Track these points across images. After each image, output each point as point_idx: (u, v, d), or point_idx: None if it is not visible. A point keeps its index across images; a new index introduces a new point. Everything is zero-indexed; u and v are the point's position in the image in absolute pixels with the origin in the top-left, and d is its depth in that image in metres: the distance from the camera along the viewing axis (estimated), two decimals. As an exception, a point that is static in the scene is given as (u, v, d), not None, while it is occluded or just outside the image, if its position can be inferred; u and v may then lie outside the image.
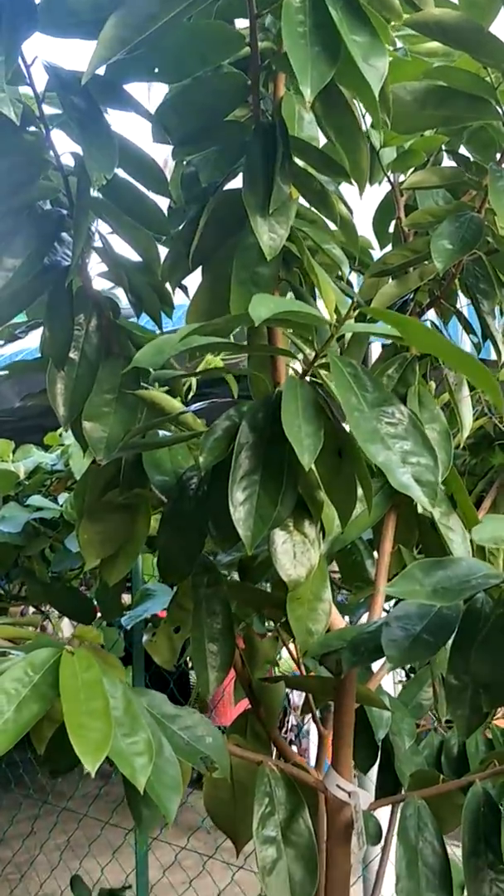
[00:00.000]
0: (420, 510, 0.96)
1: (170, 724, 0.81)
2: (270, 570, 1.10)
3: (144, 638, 1.25)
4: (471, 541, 0.94)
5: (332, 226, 0.89)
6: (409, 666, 1.68)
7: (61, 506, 1.92)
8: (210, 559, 1.01)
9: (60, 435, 2.20)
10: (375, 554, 1.03)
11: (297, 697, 4.26)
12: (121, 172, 0.87)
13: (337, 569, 1.13)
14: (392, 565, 0.99)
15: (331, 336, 0.70)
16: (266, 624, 1.25)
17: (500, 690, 0.69)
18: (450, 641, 0.77)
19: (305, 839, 0.88)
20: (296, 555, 0.87)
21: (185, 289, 0.98)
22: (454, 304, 1.00)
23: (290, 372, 0.83)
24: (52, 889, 3.24)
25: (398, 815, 0.92)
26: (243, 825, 1.02)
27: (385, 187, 1.13)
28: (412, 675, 1.28)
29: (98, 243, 0.95)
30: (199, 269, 0.91)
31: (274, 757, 0.98)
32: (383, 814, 1.17)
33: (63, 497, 1.94)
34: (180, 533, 0.91)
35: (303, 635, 0.89)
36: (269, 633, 1.14)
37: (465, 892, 0.86)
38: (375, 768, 1.12)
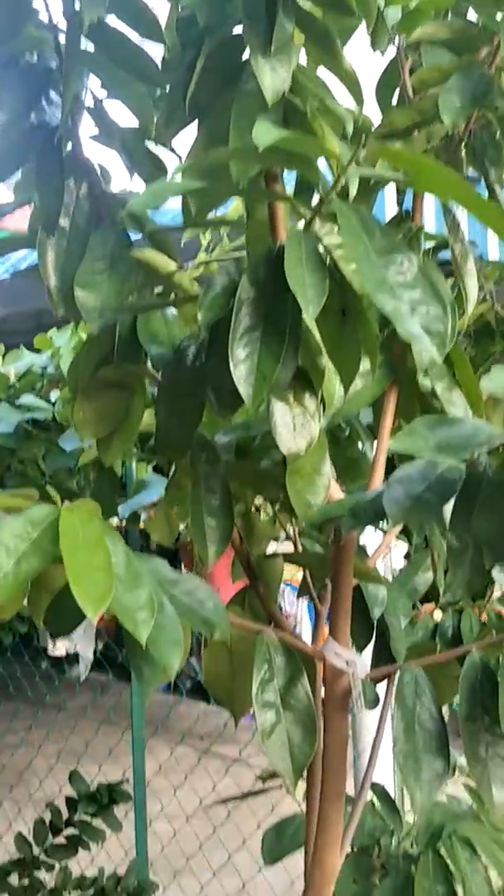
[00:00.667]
0: (423, 385, 0.94)
1: (171, 588, 0.81)
2: (267, 453, 1.10)
3: (143, 517, 1.25)
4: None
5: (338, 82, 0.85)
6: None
7: (53, 405, 1.91)
8: (208, 440, 1.00)
9: (51, 337, 2.17)
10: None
11: (289, 606, 4.34)
12: (112, 22, 0.83)
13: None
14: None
15: (336, 180, 0.67)
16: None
17: (502, 547, 0.69)
18: (451, 508, 0.77)
19: (304, 704, 0.89)
20: (295, 427, 0.86)
21: (179, 155, 0.94)
22: (462, 171, 0.97)
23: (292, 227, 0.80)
24: (51, 790, 3.34)
25: (395, 683, 0.94)
26: (241, 698, 1.03)
27: (386, 59, 1.09)
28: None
29: (90, 103, 0.91)
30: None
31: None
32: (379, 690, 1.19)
33: (55, 395, 1.92)
34: (178, 405, 0.89)
35: (302, 507, 0.89)
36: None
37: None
38: (371, 648, 1.14)
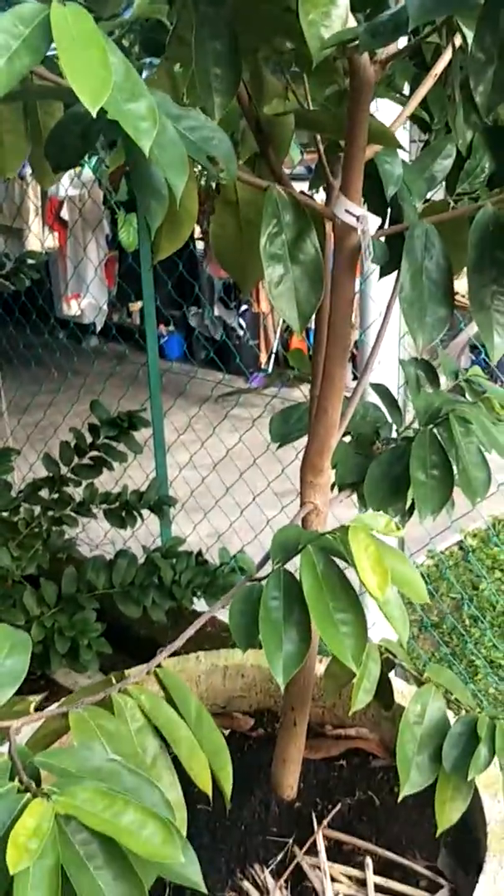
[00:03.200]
0: None
1: (175, 122, 0.78)
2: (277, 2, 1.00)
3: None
4: None
5: None
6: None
7: None
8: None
9: None
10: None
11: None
12: None
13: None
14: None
15: None
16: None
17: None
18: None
19: (311, 258, 0.89)
20: None
21: None
22: None
23: None
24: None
25: (407, 239, 0.93)
26: (250, 266, 1.04)
27: None
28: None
29: None
30: None
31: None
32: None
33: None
34: None
35: (315, 42, 0.82)
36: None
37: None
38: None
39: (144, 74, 1.06)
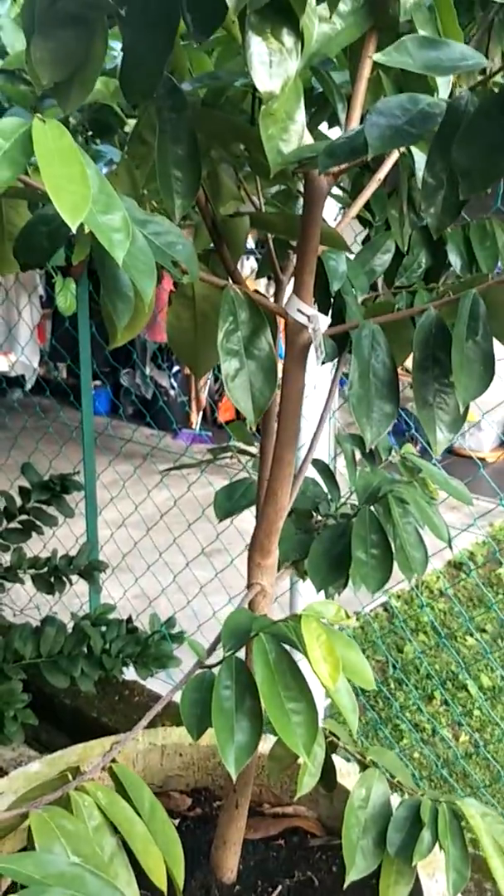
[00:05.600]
0: (401, 20, 0.90)
1: (141, 227, 0.81)
2: (234, 110, 1.06)
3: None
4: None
5: None
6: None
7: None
8: (174, 82, 0.95)
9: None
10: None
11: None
12: None
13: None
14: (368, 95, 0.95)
15: None
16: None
17: (478, 176, 0.70)
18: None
19: (266, 353, 0.93)
20: (272, 64, 0.82)
21: None
22: None
23: None
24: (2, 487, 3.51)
25: (352, 340, 0.98)
26: (203, 355, 1.08)
27: None
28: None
29: None
30: None
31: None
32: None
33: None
34: (147, 26, 0.83)
35: (274, 154, 0.87)
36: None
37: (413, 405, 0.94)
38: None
39: (102, 168, 1.09)
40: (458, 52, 0.69)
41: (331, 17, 0.88)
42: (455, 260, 1.24)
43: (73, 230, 0.64)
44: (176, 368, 5.61)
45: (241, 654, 0.93)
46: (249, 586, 1.10)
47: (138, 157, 1.03)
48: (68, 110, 1.01)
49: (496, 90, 0.74)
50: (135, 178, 1.03)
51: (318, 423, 1.27)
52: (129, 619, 2.34)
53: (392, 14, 0.92)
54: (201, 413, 5.59)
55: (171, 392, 5.65)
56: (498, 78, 0.81)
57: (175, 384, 5.67)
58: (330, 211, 1.38)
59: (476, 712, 3.06)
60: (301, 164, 0.86)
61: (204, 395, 5.51)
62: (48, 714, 2.41)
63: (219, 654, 0.94)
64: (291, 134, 0.88)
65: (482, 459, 5.40)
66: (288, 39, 0.82)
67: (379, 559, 1.21)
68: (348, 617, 0.88)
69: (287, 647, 0.90)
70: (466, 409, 0.91)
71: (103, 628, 2.27)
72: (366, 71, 0.92)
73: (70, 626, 2.29)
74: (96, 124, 1.40)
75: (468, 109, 0.73)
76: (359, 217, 1.27)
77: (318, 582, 1.23)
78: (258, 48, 0.81)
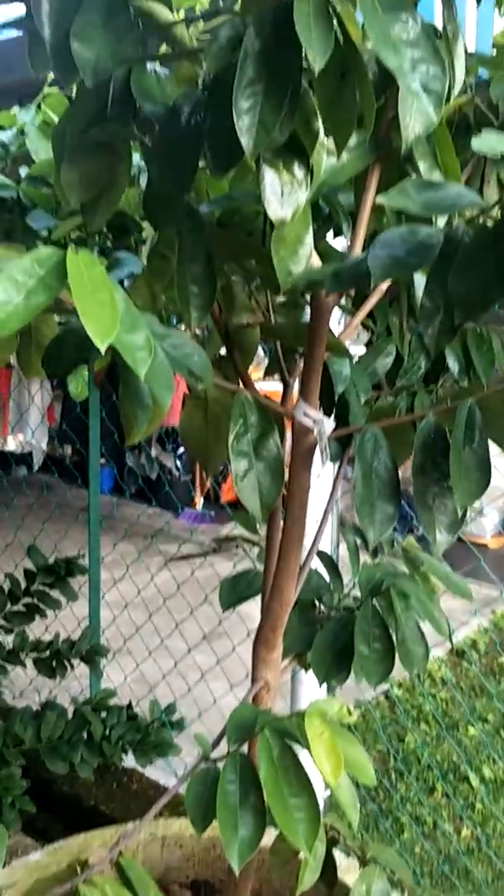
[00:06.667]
0: (403, 154, 0.98)
1: (161, 341, 0.87)
2: (249, 226, 1.13)
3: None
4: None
5: None
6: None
7: (18, 185, 1.86)
8: (193, 205, 1.03)
9: (15, 114, 2.08)
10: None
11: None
12: None
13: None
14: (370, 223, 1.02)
15: None
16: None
17: (473, 304, 0.76)
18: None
19: (273, 455, 0.99)
20: (283, 194, 0.90)
21: None
22: None
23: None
24: (7, 567, 3.53)
25: (356, 442, 1.03)
26: (213, 453, 1.13)
27: None
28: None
29: None
30: None
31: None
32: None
33: (23, 171, 1.87)
34: (170, 164, 0.91)
35: (283, 275, 0.94)
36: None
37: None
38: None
39: (126, 281, 1.16)
40: (455, 193, 0.76)
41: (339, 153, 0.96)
42: (453, 365, 1.30)
43: (102, 351, 0.70)
44: (181, 450, 5.69)
45: (246, 745, 0.95)
46: (254, 680, 1.12)
47: (157, 271, 1.11)
48: (93, 228, 1.09)
49: (490, 224, 0.81)
50: (153, 290, 1.10)
51: (321, 516, 1.31)
52: (130, 705, 2.34)
53: (394, 146, 1.00)
54: (205, 493, 5.64)
55: (175, 472, 5.72)
56: (494, 210, 0.89)
57: (179, 465, 5.74)
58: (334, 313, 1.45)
59: (478, 805, 3.01)
60: (309, 284, 0.92)
61: (207, 478, 5.57)
62: (45, 800, 2.38)
63: (223, 746, 0.97)
64: (300, 256, 0.95)
65: (484, 545, 5.42)
66: (299, 172, 0.90)
67: (381, 653, 1.24)
68: (350, 714, 0.90)
69: (290, 742, 0.92)
70: (465, 511, 0.96)
71: (104, 714, 2.27)
72: (369, 200, 1.00)
73: (70, 710, 2.29)
74: (115, 229, 1.49)
75: (464, 241, 0.80)
76: (362, 322, 1.34)
77: (321, 675, 1.25)
78: (271, 180, 0.89)
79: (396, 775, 3.16)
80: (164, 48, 0.96)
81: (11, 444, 5.45)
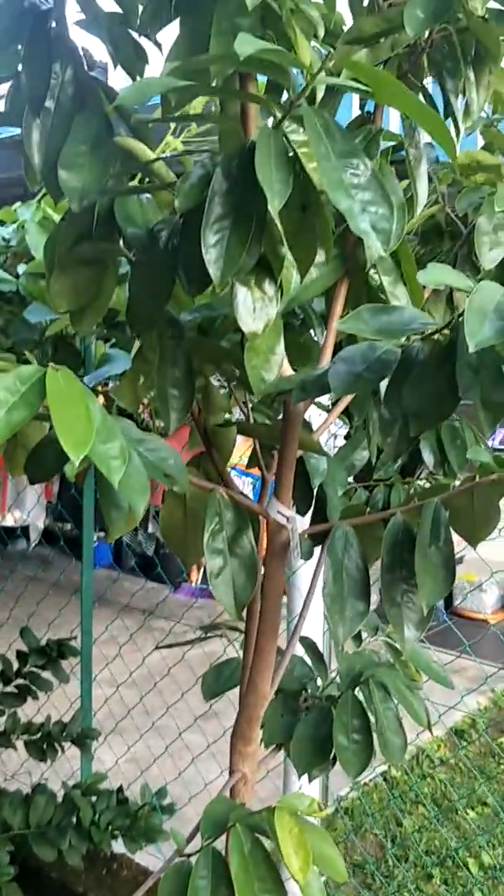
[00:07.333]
0: (370, 272, 1.05)
1: (137, 445, 0.92)
2: (227, 333, 1.20)
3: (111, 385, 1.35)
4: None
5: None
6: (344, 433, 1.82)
7: (18, 279, 1.95)
8: (174, 317, 1.09)
9: (15, 210, 2.19)
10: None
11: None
12: None
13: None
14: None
15: (305, 87, 0.75)
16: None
17: (426, 418, 0.81)
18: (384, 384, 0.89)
19: (248, 552, 1.03)
20: (255, 310, 0.96)
21: (159, 45, 1.00)
22: (422, 80, 1.05)
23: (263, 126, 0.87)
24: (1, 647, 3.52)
25: (328, 540, 1.08)
26: (192, 547, 1.17)
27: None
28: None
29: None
30: (177, 25, 0.93)
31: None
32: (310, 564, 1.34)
33: (21, 268, 1.96)
34: (150, 282, 0.98)
35: (257, 382, 1.00)
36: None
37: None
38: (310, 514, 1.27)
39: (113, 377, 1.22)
40: (407, 317, 0.82)
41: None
42: (428, 457, 1.35)
43: (77, 464, 0.75)
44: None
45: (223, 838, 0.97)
46: (231, 773, 1.14)
47: (141, 372, 1.17)
48: (81, 333, 1.16)
49: (443, 342, 0.87)
50: (136, 389, 1.16)
51: (302, 605, 1.35)
52: (121, 789, 2.32)
53: (361, 261, 1.07)
54: (202, 570, 5.65)
55: (171, 549, 5.74)
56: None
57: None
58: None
59: (477, 894, 2.94)
60: (279, 392, 0.98)
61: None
62: (34, 887, 2.34)
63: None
64: (273, 364, 1.01)
65: (483, 621, 5.39)
66: (269, 289, 0.97)
67: (360, 745, 1.26)
68: (321, 810, 0.92)
69: (262, 837, 0.94)
70: (431, 609, 0.99)
71: (94, 798, 2.25)
72: (338, 310, 1.06)
73: (60, 794, 2.27)
74: (108, 322, 1.57)
75: (418, 358, 0.86)
76: (340, 415, 1.40)
77: (301, 767, 1.27)
78: (243, 296, 0.95)
79: (393, 861, 3.10)
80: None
81: (9, 520, 5.51)
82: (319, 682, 1.49)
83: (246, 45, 0.64)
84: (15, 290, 2.00)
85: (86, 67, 1.00)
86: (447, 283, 0.76)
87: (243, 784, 1.15)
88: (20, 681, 2.34)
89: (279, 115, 0.83)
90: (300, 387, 0.91)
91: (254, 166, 0.77)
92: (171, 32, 0.96)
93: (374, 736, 1.29)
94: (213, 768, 2.59)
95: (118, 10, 0.96)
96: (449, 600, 5.46)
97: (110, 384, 1.47)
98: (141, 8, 0.93)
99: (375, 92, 0.75)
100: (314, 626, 1.90)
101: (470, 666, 4.42)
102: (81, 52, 0.99)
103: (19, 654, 2.36)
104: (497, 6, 0.96)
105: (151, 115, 1.01)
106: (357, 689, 1.34)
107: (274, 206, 0.74)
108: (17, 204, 2.16)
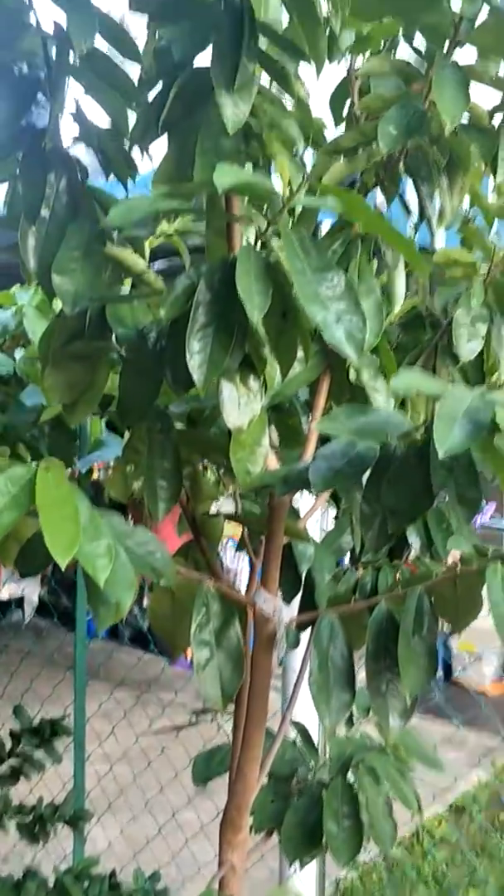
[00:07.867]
0: (352, 374, 1.08)
1: (125, 539, 0.95)
2: (215, 423, 1.23)
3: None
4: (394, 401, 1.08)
5: (290, 106, 0.97)
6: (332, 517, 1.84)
7: (15, 362, 2.00)
8: (163, 409, 1.13)
9: (13, 294, 2.25)
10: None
11: (230, 561, 4.52)
12: (97, 42, 0.94)
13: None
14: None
15: (283, 207, 0.80)
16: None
17: (403, 515, 0.84)
18: (365, 477, 0.92)
19: (234, 644, 1.04)
20: (240, 405, 1.00)
21: (150, 157, 1.06)
22: (397, 187, 1.10)
23: (245, 242, 0.92)
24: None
25: (314, 630, 1.09)
26: (180, 636, 1.18)
27: (342, 73, 1.21)
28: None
29: (72, 108, 1.01)
30: (165, 138, 0.99)
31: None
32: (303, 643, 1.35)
33: (19, 353, 2.01)
34: (140, 378, 1.02)
35: (242, 474, 1.03)
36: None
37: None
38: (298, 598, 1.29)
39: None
40: (383, 419, 0.85)
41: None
42: (414, 541, 1.37)
43: (63, 567, 0.77)
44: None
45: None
46: (220, 864, 1.13)
47: (131, 461, 1.20)
48: (73, 424, 1.19)
49: (419, 441, 0.90)
50: (127, 478, 1.19)
51: (293, 689, 1.35)
52: (113, 874, 2.27)
53: (341, 358, 1.11)
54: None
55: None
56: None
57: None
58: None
59: None
60: (263, 486, 1.01)
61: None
62: None
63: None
64: (258, 457, 1.04)
65: (483, 692, 5.32)
66: (253, 385, 1.00)
67: (350, 831, 1.25)
68: (307, 905, 0.92)
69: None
70: (415, 700, 1.00)
71: (86, 883, 2.20)
72: (321, 403, 1.10)
73: (51, 878, 2.22)
74: (103, 406, 1.60)
75: (396, 456, 0.89)
76: (328, 499, 1.43)
77: (291, 854, 1.26)
78: (229, 392, 0.99)
79: None
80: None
81: (5, 594, 5.50)
82: (311, 763, 1.48)
83: (224, 176, 0.69)
84: (13, 373, 2.05)
85: (79, 176, 1.05)
86: (419, 389, 0.79)
87: (233, 874, 1.14)
88: (12, 761, 2.32)
89: (262, 226, 0.88)
90: (283, 481, 0.94)
91: (234, 280, 0.81)
92: (160, 144, 1.02)
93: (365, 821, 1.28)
94: (208, 848, 2.54)
95: (109, 126, 1.02)
96: (448, 671, 5.40)
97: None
98: (132, 124, 0.99)
99: (348, 212, 0.80)
100: (306, 707, 1.88)
101: (470, 737, 4.36)
102: (75, 163, 1.05)
103: (12, 734, 2.34)
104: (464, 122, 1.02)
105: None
106: (349, 772, 1.34)
107: (254, 317, 0.78)
108: (16, 287, 2.22)
